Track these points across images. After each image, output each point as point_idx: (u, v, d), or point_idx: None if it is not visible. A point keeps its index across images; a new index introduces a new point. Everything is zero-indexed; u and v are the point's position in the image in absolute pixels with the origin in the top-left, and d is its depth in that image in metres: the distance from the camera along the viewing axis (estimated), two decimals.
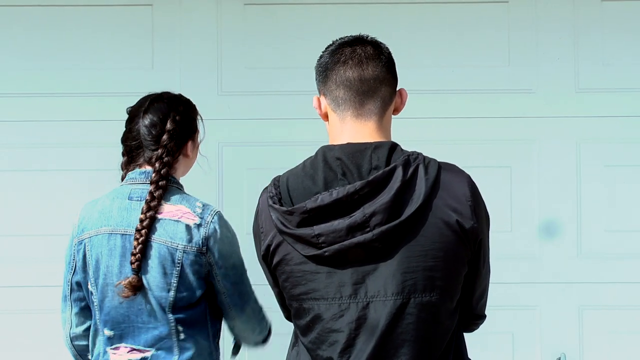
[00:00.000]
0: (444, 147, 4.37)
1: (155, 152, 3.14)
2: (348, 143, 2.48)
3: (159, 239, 3.08)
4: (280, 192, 2.48)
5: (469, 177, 2.49)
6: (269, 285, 2.62)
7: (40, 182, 4.43)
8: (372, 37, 2.60)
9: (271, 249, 2.49)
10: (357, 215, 2.39)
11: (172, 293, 3.08)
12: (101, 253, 3.11)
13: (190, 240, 3.08)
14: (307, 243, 2.43)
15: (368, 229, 2.39)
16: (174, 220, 3.09)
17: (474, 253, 2.48)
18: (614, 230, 4.39)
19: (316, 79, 2.59)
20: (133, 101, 4.37)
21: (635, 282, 4.37)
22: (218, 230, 3.11)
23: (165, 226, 3.08)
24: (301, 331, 2.51)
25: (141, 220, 3.07)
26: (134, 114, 3.21)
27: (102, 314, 3.13)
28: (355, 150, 2.46)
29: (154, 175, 3.11)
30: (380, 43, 2.59)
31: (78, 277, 3.17)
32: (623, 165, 4.40)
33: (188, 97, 3.28)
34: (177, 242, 3.08)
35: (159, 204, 3.09)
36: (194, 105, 3.28)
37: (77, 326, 3.24)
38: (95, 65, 4.45)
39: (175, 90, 3.31)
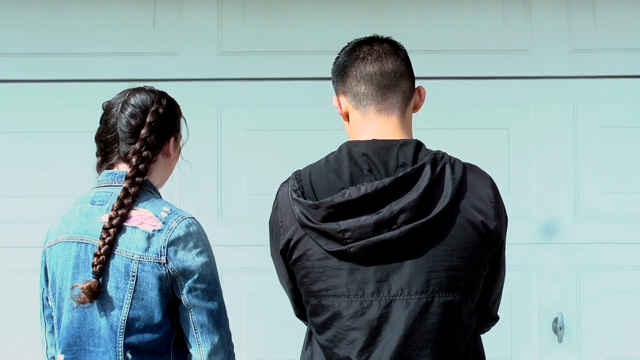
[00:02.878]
0: (440, 109, 4.38)
1: (133, 146, 2.79)
2: (373, 139, 2.47)
3: (114, 249, 2.72)
4: (302, 186, 2.45)
5: (491, 178, 2.50)
6: (281, 282, 2.60)
7: (45, 169, 4.41)
8: (387, 36, 2.60)
9: (291, 243, 2.46)
10: (385, 212, 2.37)
11: (124, 311, 2.69)
12: (57, 264, 2.78)
13: (147, 249, 2.70)
14: (331, 238, 2.40)
15: (395, 226, 2.37)
16: (132, 227, 2.71)
17: (495, 254, 2.48)
18: (611, 191, 4.40)
19: (334, 81, 2.59)
20: (134, 60, 4.39)
21: (631, 242, 4.38)
22: (183, 237, 2.72)
23: (122, 234, 2.71)
24: (317, 329, 2.48)
25: (110, 218, 2.71)
26: (112, 105, 2.86)
27: (59, 334, 2.78)
28: (381, 146, 2.44)
29: (129, 170, 2.77)
30: (396, 41, 2.60)
31: (44, 291, 2.86)
32: (620, 127, 4.41)
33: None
34: (133, 252, 2.70)
35: (133, 203, 2.74)
36: (179, 105, 2.94)
37: (52, 346, 2.89)
38: (96, 25, 4.43)
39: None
